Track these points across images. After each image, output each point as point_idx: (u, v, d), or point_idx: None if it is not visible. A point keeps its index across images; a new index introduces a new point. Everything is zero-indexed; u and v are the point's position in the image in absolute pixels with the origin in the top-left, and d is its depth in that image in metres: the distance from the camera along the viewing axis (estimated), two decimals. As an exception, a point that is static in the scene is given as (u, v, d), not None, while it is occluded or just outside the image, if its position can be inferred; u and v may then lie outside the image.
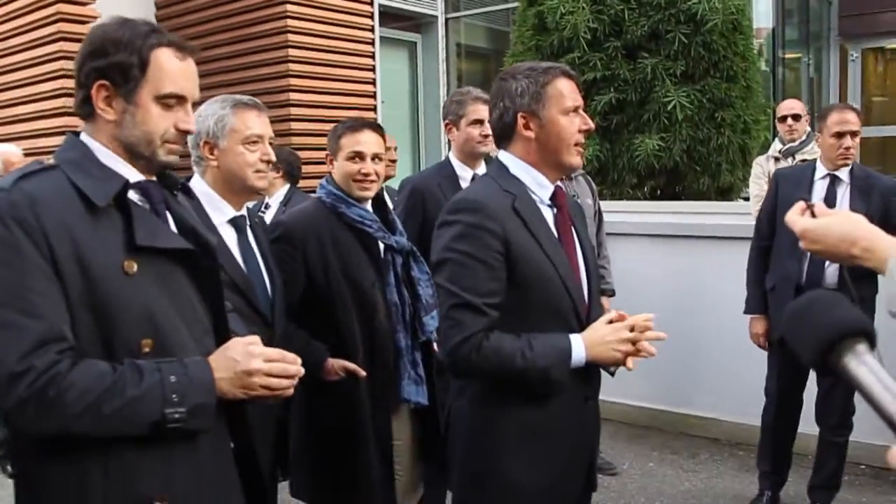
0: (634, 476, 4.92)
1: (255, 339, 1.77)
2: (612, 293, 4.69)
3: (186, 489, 1.71)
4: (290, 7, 7.65)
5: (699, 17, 6.27)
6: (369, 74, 8.39)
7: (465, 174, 3.72)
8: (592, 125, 2.31)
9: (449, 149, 3.93)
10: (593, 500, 2.50)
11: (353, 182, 2.97)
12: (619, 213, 5.80)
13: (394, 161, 4.90)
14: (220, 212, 2.57)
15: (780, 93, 10.99)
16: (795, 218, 1.64)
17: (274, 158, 2.65)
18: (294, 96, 7.62)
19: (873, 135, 12.80)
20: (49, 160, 1.74)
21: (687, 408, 5.59)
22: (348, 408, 2.92)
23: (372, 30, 8.50)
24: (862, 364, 1.09)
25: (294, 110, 7.61)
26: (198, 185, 2.55)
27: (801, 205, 1.66)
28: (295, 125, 7.57)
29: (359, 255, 2.96)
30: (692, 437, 5.49)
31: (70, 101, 6.49)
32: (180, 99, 1.76)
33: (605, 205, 5.07)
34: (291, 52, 7.65)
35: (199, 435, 1.70)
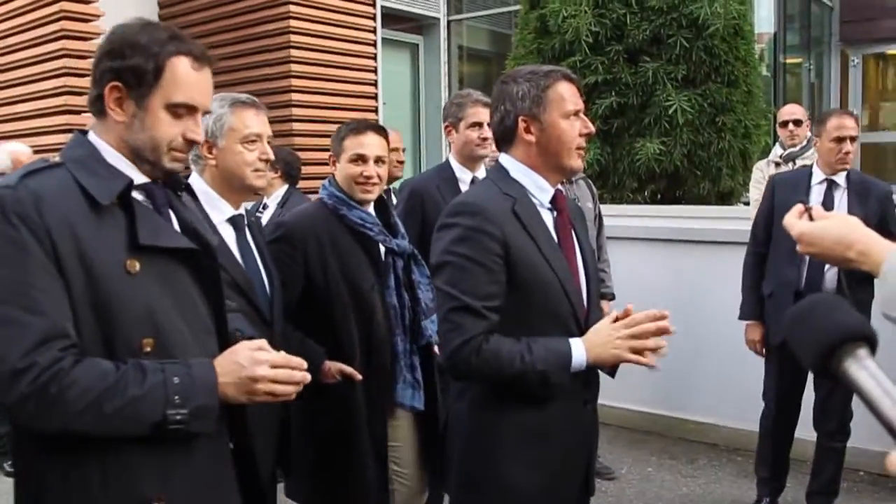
0: (633, 481, 4.91)
1: (262, 343, 1.76)
2: (611, 297, 4.69)
3: (184, 489, 1.71)
4: (292, 7, 7.65)
5: (701, 22, 6.28)
6: (371, 76, 8.38)
7: (464, 176, 3.72)
8: (593, 129, 2.31)
9: (449, 151, 3.93)
10: (591, 505, 2.49)
11: (356, 184, 2.97)
12: (620, 216, 5.80)
13: (401, 162, 4.89)
14: (218, 211, 2.56)
15: (782, 98, 11.01)
16: (793, 221, 1.65)
17: (272, 157, 2.64)
18: (296, 96, 7.62)
19: (874, 140, 12.82)
20: (55, 158, 1.74)
21: (686, 413, 5.59)
22: (344, 410, 2.91)
23: (374, 31, 8.50)
24: (862, 368, 1.09)
25: (296, 110, 7.61)
26: (196, 183, 2.54)
27: (798, 207, 1.67)
28: (297, 125, 7.57)
29: (359, 258, 2.96)
30: (691, 442, 5.49)
31: (72, 100, 6.57)
32: (191, 109, 1.76)
33: (605, 208, 5.07)
34: (293, 52, 7.65)
35: (199, 436, 1.69)
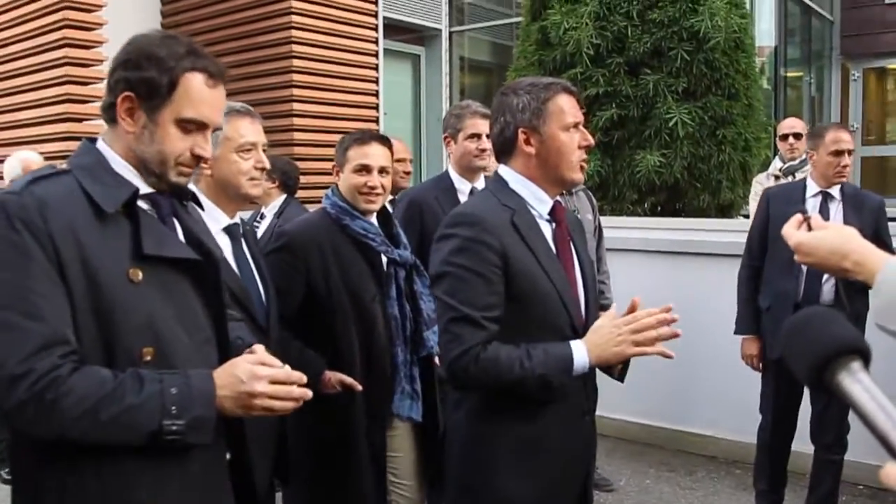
0: (631, 493, 4.90)
1: (262, 356, 1.76)
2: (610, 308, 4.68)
3: (181, 499, 1.71)
4: (294, 18, 7.68)
5: (702, 35, 6.30)
6: (372, 86, 8.40)
7: (463, 187, 3.72)
8: (592, 141, 2.31)
9: (449, 162, 3.94)
10: (589, 517, 2.49)
11: (359, 195, 2.97)
12: (620, 228, 5.80)
13: (408, 173, 4.89)
14: (214, 220, 2.56)
15: (782, 111, 11.04)
16: (791, 231, 1.68)
17: (268, 166, 2.63)
18: (297, 106, 7.64)
19: (874, 154, 12.85)
20: (63, 165, 1.75)
21: (685, 425, 5.58)
22: (343, 420, 2.91)
23: (376, 42, 8.52)
24: (856, 382, 1.09)
25: (297, 120, 7.63)
26: None
27: (797, 217, 1.70)
28: (298, 135, 7.58)
29: (361, 268, 2.96)
30: (690, 454, 5.48)
31: (74, 108, 6.58)
32: (201, 125, 1.77)
33: (605, 220, 5.08)
34: (295, 61, 7.67)
35: (196, 446, 1.69)
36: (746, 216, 6.33)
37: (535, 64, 6.78)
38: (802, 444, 4.30)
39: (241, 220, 2.70)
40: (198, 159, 1.79)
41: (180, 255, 1.75)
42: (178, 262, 1.74)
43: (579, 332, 2.22)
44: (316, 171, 7.13)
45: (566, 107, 2.24)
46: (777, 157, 5.92)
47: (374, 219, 3.04)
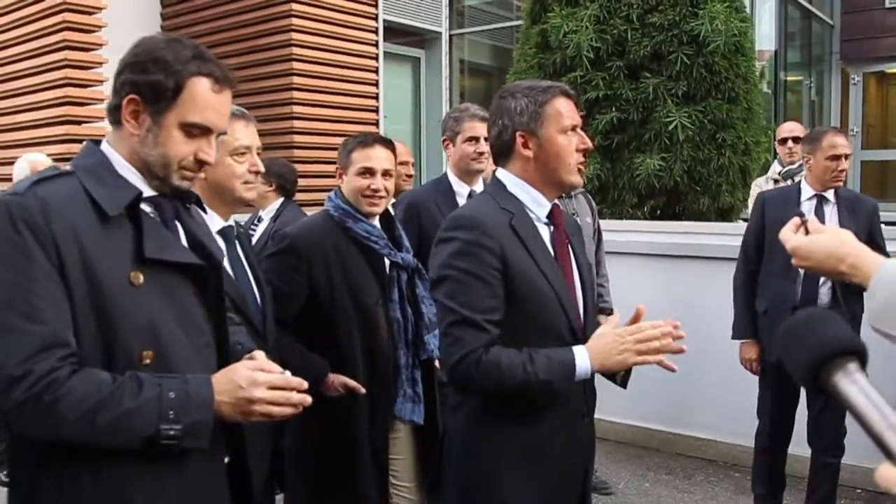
0: (630, 496, 4.90)
1: (262, 362, 1.76)
2: (610, 312, 4.68)
3: (175, 501, 1.71)
4: (294, 20, 7.68)
5: (702, 39, 6.30)
6: (372, 89, 8.41)
7: (461, 190, 3.73)
8: (590, 144, 2.32)
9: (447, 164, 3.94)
10: (587, 520, 2.49)
11: (363, 197, 2.97)
12: (619, 232, 5.81)
13: (410, 176, 4.89)
14: (208, 222, 2.55)
15: (782, 115, 11.05)
16: (789, 235, 1.70)
17: (262, 169, 2.61)
18: (297, 109, 7.64)
19: (873, 158, 12.86)
20: (66, 166, 1.75)
21: (684, 428, 5.57)
22: (346, 423, 2.90)
23: (376, 45, 8.53)
24: (852, 383, 1.09)
25: (297, 123, 7.63)
26: None
27: (795, 221, 1.71)
28: (297, 138, 7.58)
29: (364, 271, 2.95)
30: (689, 457, 5.48)
31: (73, 110, 6.57)
32: (205, 130, 1.77)
33: (604, 224, 5.07)
34: (295, 65, 7.67)
35: (193, 451, 1.69)
36: (746, 220, 6.31)
37: (534, 67, 6.78)
38: (800, 447, 4.30)
39: (236, 222, 2.70)
40: (201, 164, 1.78)
41: (182, 259, 1.75)
42: (180, 267, 1.74)
43: (578, 336, 2.22)
44: (316, 174, 7.14)
45: (564, 110, 2.24)
46: (776, 161, 5.93)
47: (376, 221, 3.04)
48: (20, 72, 7.09)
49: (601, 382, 2.36)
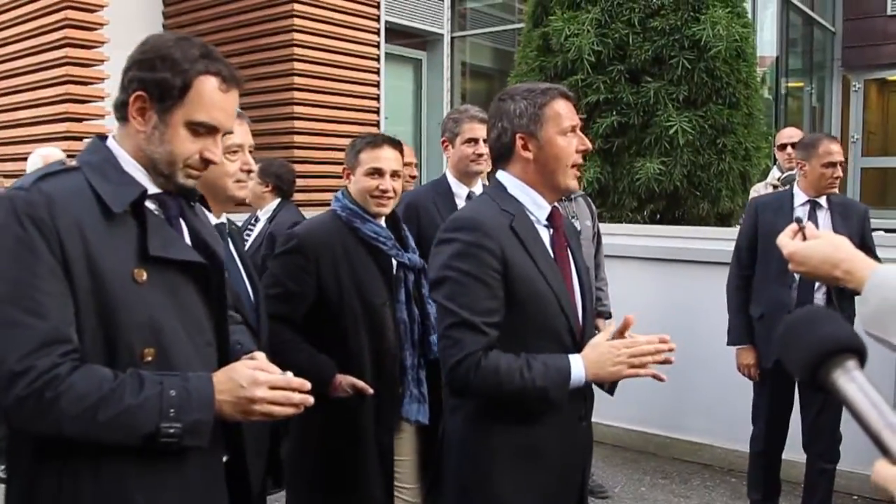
0: (626, 500, 4.89)
1: (262, 362, 1.76)
2: (608, 315, 4.68)
3: (176, 501, 1.71)
4: (296, 21, 7.69)
5: (703, 44, 6.30)
6: (373, 90, 8.42)
7: (460, 191, 3.73)
8: (590, 145, 2.32)
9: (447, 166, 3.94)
10: (583, 523, 2.48)
11: (371, 198, 2.97)
12: (619, 235, 5.80)
13: (413, 177, 4.88)
14: None
15: (783, 121, 11.05)
16: (786, 241, 1.72)
17: (254, 168, 2.60)
18: (298, 109, 7.65)
19: (874, 165, 12.86)
20: (72, 162, 1.75)
21: (680, 433, 5.57)
22: (353, 424, 2.90)
23: (378, 46, 8.54)
24: (851, 381, 1.10)
25: (297, 123, 7.63)
26: None
27: (793, 227, 1.73)
28: (298, 138, 7.59)
29: (371, 272, 2.95)
30: (685, 462, 5.47)
31: (73, 107, 6.58)
32: (211, 129, 1.77)
33: (604, 227, 5.07)
34: (296, 65, 7.68)
35: (193, 449, 1.69)
36: (745, 225, 6.31)
37: (536, 70, 6.78)
38: (796, 453, 4.30)
39: (228, 220, 2.69)
40: (207, 163, 1.79)
41: (185, 257, 1.76)
42: (183, 265, 1.75)
43: (577, 338, 2.23)
44: (316, 174, 7.14)
45: (563, 111, 2.25)
46: (775, 167, 5.93)
47: (382, 222, 3.04)
48: (21, 69, 7.09)
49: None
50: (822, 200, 4.14)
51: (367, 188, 2.97)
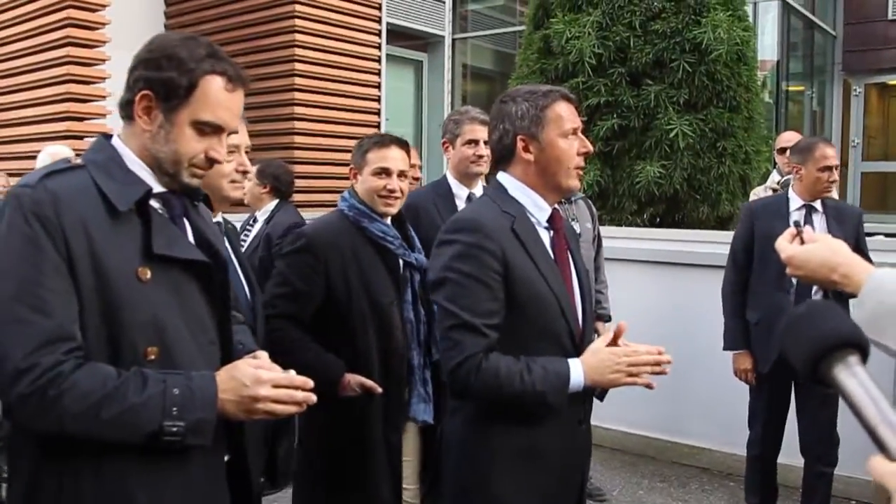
0: (624, 503, 4.89)
1: (265, 361, 1.77)
2: (608, 318, 4.68)
3: (178, 500, 1.71)
4: (297, 22, 7.70)
5: (704, 47, 6.30)
6: (374, 91, 8.43)
7: (460, 193, 3.73)
8: (591, 147, 2.33)
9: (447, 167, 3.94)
10: (581, 526, 2.48)
11: (378, 198, 2.97)
12: (619, 238, 5.80)
13: (417, 178, 4.88)
14: None
15: (783, 124, 11.06)
16: (784, 245, 1.73)
17: (250, 169, 2.61)
18: (299, 110, 7.65)
19: (874, 170, 12.86)
20: (77, 160, 1.75)
21: (679, 436, 5.57)
22: (361, 423, 2.90)
23: (379, 47, 8.54)
24: (852, 376, 1.10)
25: (298, 124, 7.64)
26: None
27: (791, 231, 1.74)
28: (298, 138, 7.59)
29: (379, 271, 2.96)
30: (683, 465, 5.47)
31: (75, 107, 6.58)
32: (217, 128, 1.77)
33: (604, 230, 5.07)
34: (298, 66, 7.69)
35: (195, 448, 1.69)
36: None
37: (536, 72, 6.79)
38: (794, 457, 4.29)
39: (224, 219, 2.69)
40: (212, 162, 1.79)
41: (189, 256, 1.76)
42: (187, 264, 1.75)
43: (576, 341, 2.23)
44: (316, 175, 7.14)
45: (564, 113, 2.25)
46: (775, 171, 5.93)
47: (389, 221, 3.05)
48: (23, 67, 7.10)
49: (597, 388, 2.36)
50: (818, 204, 4.14)
51: (374, 188, 2.97)
